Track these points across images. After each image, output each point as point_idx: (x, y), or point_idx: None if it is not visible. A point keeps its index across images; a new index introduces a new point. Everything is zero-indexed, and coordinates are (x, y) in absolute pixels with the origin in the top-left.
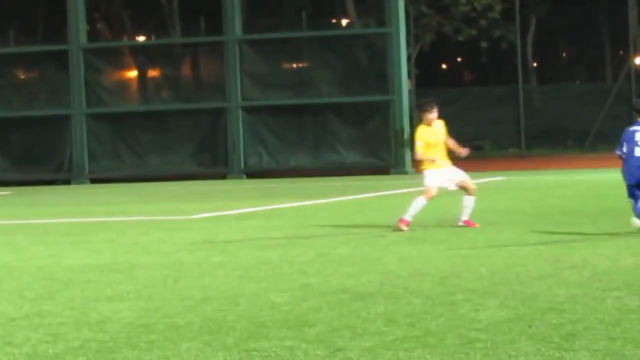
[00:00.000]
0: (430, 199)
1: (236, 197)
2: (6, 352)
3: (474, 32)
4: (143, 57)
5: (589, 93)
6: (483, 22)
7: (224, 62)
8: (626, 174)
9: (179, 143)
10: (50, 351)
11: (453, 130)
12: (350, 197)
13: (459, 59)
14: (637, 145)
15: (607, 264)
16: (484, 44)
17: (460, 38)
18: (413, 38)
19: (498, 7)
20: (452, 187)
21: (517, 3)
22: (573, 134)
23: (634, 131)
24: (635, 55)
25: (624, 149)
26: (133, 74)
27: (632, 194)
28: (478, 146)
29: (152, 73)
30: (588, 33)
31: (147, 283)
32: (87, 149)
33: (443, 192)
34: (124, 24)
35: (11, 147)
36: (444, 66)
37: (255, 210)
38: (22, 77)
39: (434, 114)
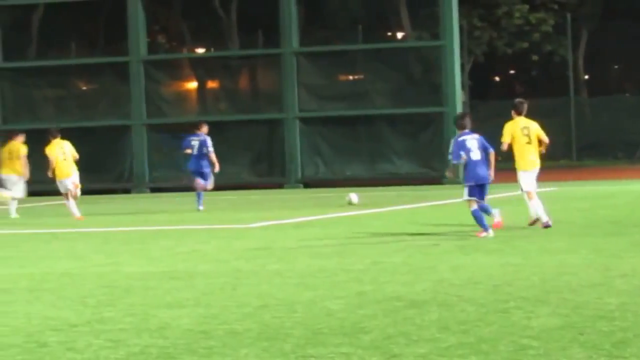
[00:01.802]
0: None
1: (293, 206)
2: (69, 358)
3: (525, 45)
4: (202, 68)
5: (638, 105)
6: (537, 36)
7: (281, 73)
8: (469, 176)
9: (236, 153)
10: (112, 357)
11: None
12: (404, 207)
13: (511, 72)
14: (472, 151)
15: None
16: (535, 57)
17: (510, 51)
18: (466, 51)
19: (551, 21)
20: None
21: (568, 17)
22: (623, 145)
23: (464, 140)
24: None
25: (463, 157)
26: (192, 85)
27: (472, 193)
28: None
29: (211, 84)
30: (638, 46)
31: (205, 290)
32: (147, 158)
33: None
34: (183, 36)
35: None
36: (496, 78)
37: (312, 219)
38: (83, 88)
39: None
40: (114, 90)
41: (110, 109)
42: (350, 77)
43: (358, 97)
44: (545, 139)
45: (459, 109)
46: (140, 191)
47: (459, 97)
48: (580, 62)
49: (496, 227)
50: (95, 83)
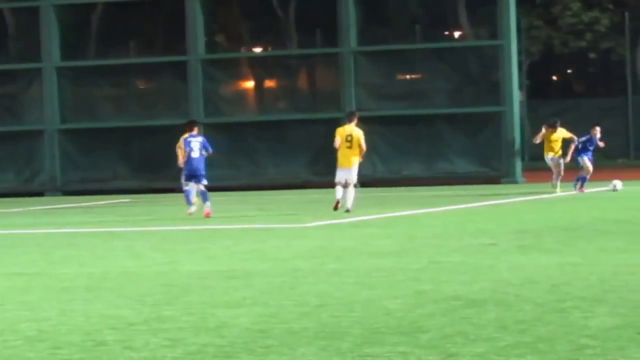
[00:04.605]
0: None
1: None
2: (126, 357)
3: (583, 44)
4: (260, 68)
5: None
6: (589, 35)
7: (340, 73)
8: (187, 168)
9: (295, 152)
10: (169, 356)
11: (566, 141)
12: (462, 206)
13: (569, 71)
14: (193, 150)
15: None
16: (592, 56)
17: (566, 50)
18: (524, 50)
19: (605, 21)
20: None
21: (626, 16)
22: None
23: (190, 141)
24: None
25: (185, 154)
26: (250, 84)
27: (188, 180)
28: None
29: (269, 84)
30: None
31: (263, 289)
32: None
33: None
34: (241, 36)
35: (131, 155)
36: (554, 77)
37: (369, 219)
38: (142, 87)
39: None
40: (172, 89)
41: (168, 108)
42: (409, 77)
43: (416, 97)
44: (363, 147)
45: (517, 108)
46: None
47: (517, 97)
48: (638, 60)
49: (208, 214)
50: (154, 82)
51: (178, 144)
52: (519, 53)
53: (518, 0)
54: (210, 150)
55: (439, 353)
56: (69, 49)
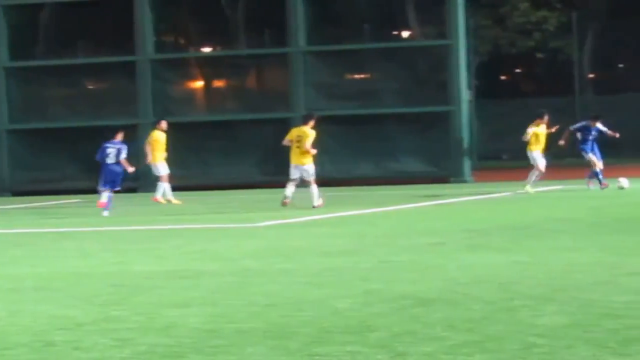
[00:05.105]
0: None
1: (301, 206)
2: (75, 357)
3: (531, 43)
4: (209, 68)
5: None
6: (537, 35)
7: (289, 73)
8: (104, 173)
9: (244, 152)
10: (118, 356)
11: (514, 141)
12: (411, 205)
13: (517, 71)
14: (109, 156)
15: None
16: (539, 55)
17: (514, 50)
18: (472, 49)
19: (553, 20)
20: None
21: (573, 15)
22: (630, 143)
23: (107, 147)
24: None
25: (98, 157)
26: (199, 84)
27: (105, 186)
28: None
29: (218, 84)
30: None
31: (213, 289)
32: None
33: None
34: (190, 36)
35: (80, 156)
36: (502, 77)
37: (319, 218)
38: (91, 87)
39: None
40: (121, 89)
41: (118, 108)
42: (358, 76)
43: (366, 96)
44: (307, 147)
45: (465, 108)
46: (148, 190)
47: (465, 96)
48: (586, 60)
49: (102, 205)
50: (103, 82)
51: (147, 140)
52: (468, 53)
53: (467, 0)
54: (124, 156)
55: (388, 352)
56: (17, 49)
